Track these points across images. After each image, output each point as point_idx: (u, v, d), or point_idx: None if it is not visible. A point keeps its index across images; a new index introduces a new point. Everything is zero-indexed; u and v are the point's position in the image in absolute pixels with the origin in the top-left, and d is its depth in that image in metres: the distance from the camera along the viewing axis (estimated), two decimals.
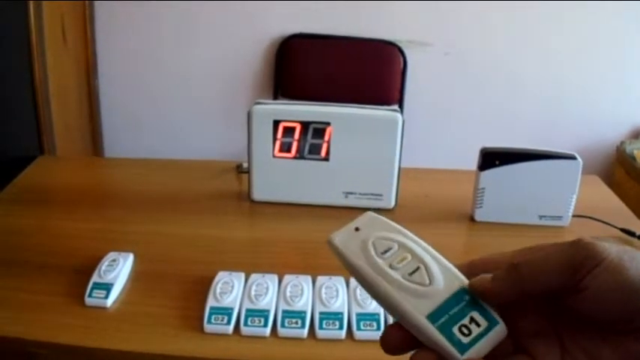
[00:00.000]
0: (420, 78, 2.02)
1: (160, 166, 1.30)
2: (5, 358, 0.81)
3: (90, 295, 0.83)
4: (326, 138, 1.06)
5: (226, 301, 0.82)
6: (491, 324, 0.37)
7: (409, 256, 0.40)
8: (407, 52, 2.00)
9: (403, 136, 1.06)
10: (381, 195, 1.10)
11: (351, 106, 1.07)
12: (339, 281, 0.86)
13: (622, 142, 2.07)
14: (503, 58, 2.01)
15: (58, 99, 1.58)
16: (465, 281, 0.39)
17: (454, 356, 0.36)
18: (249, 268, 0.89)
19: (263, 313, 0.80)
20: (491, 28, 1.98)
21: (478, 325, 0.37)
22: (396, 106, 1.93)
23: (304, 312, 0.80)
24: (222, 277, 0.86)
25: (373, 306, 0.81)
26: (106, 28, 1.96)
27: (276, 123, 1.06)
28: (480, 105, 2.07)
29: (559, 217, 1.08)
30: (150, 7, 1.94)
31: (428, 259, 0.41)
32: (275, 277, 0.86)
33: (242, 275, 0.87)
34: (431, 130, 2.03)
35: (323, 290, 0.84)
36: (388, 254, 0.40)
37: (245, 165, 1.21)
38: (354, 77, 2.00)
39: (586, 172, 1.08)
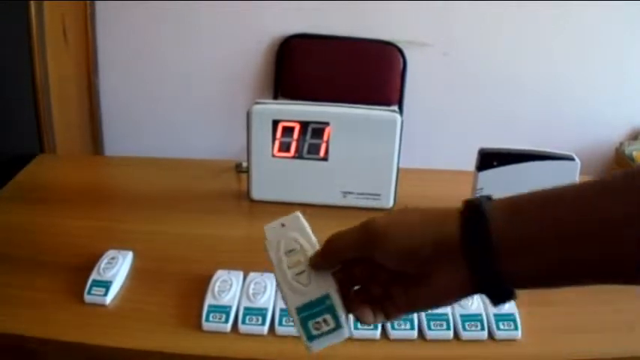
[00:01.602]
0: (419, 78, 2.02)
1: (160, 165, 1.31)
2: (5, 355, 0.81)
3: (89, 293, 0.83)
4: (325, 138, 1.07)
5: (224, 300, 0.82)
6: (337, 327, 0.51)
7: (302, 260, 0.52)
8: (406, 52, 2.00)
9: (402, 137, 1.06)
10: (379, 195, 1.10)
11: (349, 107, 1.08)
12: None
13: (621, 144, 2.07)
14: (502, 58, 2.01)
15: (59, 98, 1.58)
16: (332, 289, 0.51)
17: (304, 341, 0.51)
18: (247, 266, 0.89)
19: (261, 312, 0.80)
20: (491, 29, 1.99)
21: (328, 325, 0.50)
22: (394, 107, 1.93)
23: None
24: (220, 275, 0.86)
25: None
26: (106, 27, 1.97)
27: (275, 123, 1.06)
28: (478, 105, 2.07)
29: None
30: (151, 7, 1.95)
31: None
32: (273, 276, 0.87)
33: (240, 274, 0.87)
34: (430, 130, 2.03)
35: None
36: (291, 254, 0.53)
37: (244, 164, 1.21)
38: (354, 77, 2.00)
39: (585, 174, 1.08)
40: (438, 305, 0.48)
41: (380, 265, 0.48)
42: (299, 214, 0.54)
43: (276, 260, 0.53)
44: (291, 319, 0.52)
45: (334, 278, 0.51)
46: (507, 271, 0.43)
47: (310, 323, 0.50)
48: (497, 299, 0.45)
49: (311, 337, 0.51)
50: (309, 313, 0.51)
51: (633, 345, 0.80)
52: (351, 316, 0.51)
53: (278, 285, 0.52)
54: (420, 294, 0.47)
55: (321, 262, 0.51)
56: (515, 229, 0.43)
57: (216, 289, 0.83)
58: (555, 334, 0.82)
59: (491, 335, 0.81)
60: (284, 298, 0.52)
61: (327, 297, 0.51)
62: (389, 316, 0.50)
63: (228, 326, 0.79)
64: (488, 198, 0.47)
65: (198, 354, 0.76)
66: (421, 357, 0.78)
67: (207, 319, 0.79)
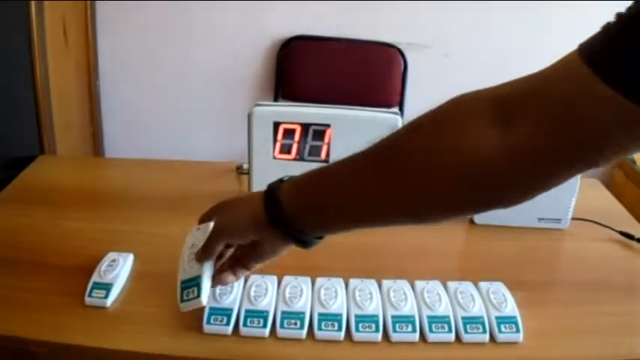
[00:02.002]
0: (420, 80, 2.02)
1: (161, 167, 1.30)
2: (5, 357, 0.81)
3: (90, 295, 0.83)
4: (326, 140, 1.07)
5: (226, 302, 0.82)
6: (197, 297, 0.73)
7: (192, 252, 0.77)
8: (407, 54, 2.00)
9: None
10: None
11: (351, 109, 1.08)
12: (338, 283, 0.86)
13: None
14: (503, 59, 2.01)
15: (59, 99, 1.58)
16: (202, 272, 0.74)
17: (178, 302, 0.74)
18: None
19: (262, 314, 0.80)
20: (491, 30, 1.99)
21: (193, 294, 0.73)
22: (395, 109, 1.94)
23: (303, 313, 0.81)
24: None
25: (372, 307, 0.82)
26: (107, 28, 1.96)
27: (276, 125, 1.06)
28: None
29: (558, 220, 1.08)
30: (151, 8, 1.95)
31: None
32: (274, 278, 0.87)
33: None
34: None
35: (322, 291, 0.84)
36: (192, 247, 0.77)
37: (245, 166, 1.21)
38: (355, 79, 2.00)
39: (586, 175, 1.08)
40: (274, 254, 0.73)
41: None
42: (211, 224, 0.75)
43: (183, 250, 0.78)
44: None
45: (211, 264, 0.76)
46: (302, 228, 0.66)
47: (184, 292, 0.74)
48: (307, 245, 0.69)
49: (182, 300, 0.74)
50: (186, 285, 0.74)
51: (635, 347, 0.80)
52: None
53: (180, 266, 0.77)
54: (260, 250, 0.72)
55: (201, 256, 0.75)
56: (296, 200, 0.66)
57: (218, 291, 0.83)
58: (557, 336, 0.82)
59: (492, 338, 0.80)
60: (179, 270, 0.77)
61: (198, 277, 0.74)
62: (248, 268, 0.77)
63: (230, 329, 0.79)
64: (282, 181, 0.69)
65: (200, 357, 0.76)
66: (423, 359, 0.78)
67: (208, 322, 0.79)
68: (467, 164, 0.55)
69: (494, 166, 0.53)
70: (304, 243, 0.69)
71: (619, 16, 0.48)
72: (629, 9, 0.47)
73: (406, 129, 0.61)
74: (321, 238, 0.69)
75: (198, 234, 0.76)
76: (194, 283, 0.74)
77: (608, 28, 0.49)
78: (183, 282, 0.75)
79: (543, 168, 0.53)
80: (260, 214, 0.67)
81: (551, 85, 0.53)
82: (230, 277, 0.77)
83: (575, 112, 0.49)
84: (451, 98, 0.60)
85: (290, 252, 1.00)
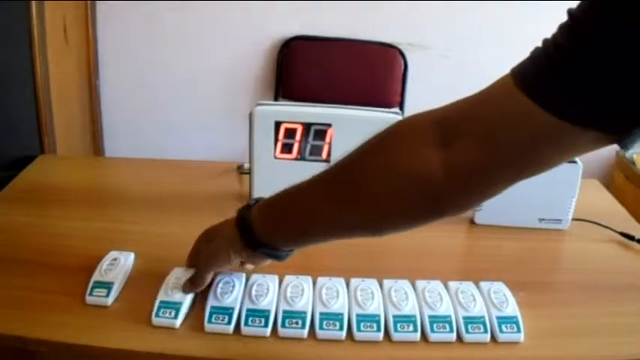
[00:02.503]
0: (420, 80, 2.02)
1: (161, 166, 1.30)
2: (6, 356, 0.81)
3: (91, 294, 0.83)
4: (327, 139, 1.07)
5: (227, 301, 0.82)
6: (174, 318, 0.79)
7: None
8: (407, 54, 2.00)
9: None
10: None
11: (352, 108, 1.08)
12: (339, 282, 0.86)
13: None
14: (503, 60, 2.00)
15: (59, 98, 1.58)
16: (187, 299, 0.82)
17: (152, 314, 0.80)
18: None
19: (263, 313, 0.80)
20: (491, 31, 1.99)
21: (170, 315, 0.79)
22: (396, 109, 1.94)
23: (304, 312, 0.81)
24: (222, 277, 0.86)
25: (373, 307, 0.82)
26: (107, 28, 1.97)
27: (277, 124, 1.06)
28: None
29: (559, 221, 1.08)
30: (151, 8, 1.95)
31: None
32: (275, 278, 0.87)
33: (243, 275, 0.87)
34: None
35: (323, 291, 0.84)
36: (177, 278, 0.85)
37: (246, 166, 1.21)
38: (355, 80, 2.00)
39: (586, 176, 1.08)
40: (256, 266, 0.85)
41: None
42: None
43: (167, 278, 0.85)
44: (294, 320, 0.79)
45: None
46: (273, 245, 0.75)
47: (161, 310, 0.80)
48: (280, 259, 0.78)
49: (157, 315, 0.79)
50: (165, 305, 0.81)
51: (636, 347, 0.80)
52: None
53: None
54: (243, 265, 0.85)
55: (190, 288, 0.83)
56: (264, 221, 0.75)
57: (219, 290, 0.83)
58: (558, 336, 0.82)
59: (493, 338, 0.80)
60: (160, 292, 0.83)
61: (180, 303, 0.81)
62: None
63: (231, 328, 0.79)
64: (249, 206, 0.77)
65: (201, 355, 0.76)
66: (423, 359, 0.78)
67: (209, 321, 0.79)
68: (410, 182, 0.61)
69: (435, 183, 0.59)
70: (277, 257, 0.78)
71: (545, 41, 0.58)
72: (554, 37, 0.58)
73: (356, 150, 0.66)
74: (292, 250, 0.78)
75: (184, 271, 0.86)
76: (174, 307, 0.80)
77: (537, 54, 0.58)
78: (162, 302, 0.81)
79: (481, 183, 0.60)
80: (236, 240, 0.76)
81: (487, 107, 0.58)
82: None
83: (509, 132, 0.55)
84: (397, 121, 0.65)
85: None
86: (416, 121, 0.63)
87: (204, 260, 0.82)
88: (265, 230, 0.74)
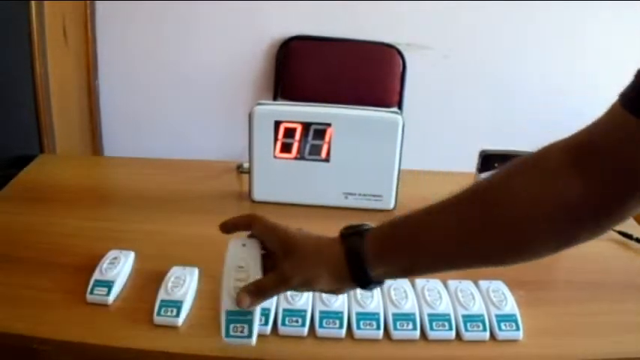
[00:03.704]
0: (419, 80, 2.02)
1: (161, 166, 1.31)
2: (7, 354, 0.81)
3: (91, 292, 0.83)
4: (327, 139, 1.07)
5: None
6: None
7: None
8: (406, 54, 2.00)
9: (403, 138, 1.06)
10: (380, 196, 1.11)
11: (352, 108, 1.08)
12: None
13: None
14: (502, 60, 2.02)
15: (59, 98, 1.58)
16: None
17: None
18: None
19: (263, 312, 0.80)
20: (491, 31, 1.99)
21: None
22: (396, 108, 1.94)
23: (305, 311, 0.81)
24: None
25: (373, 305, 0.82)
26: (106, 28, 1.97)
27: (277, 124, 1.06)
28: (478, 107, 2.07)
29: None
30: (151, 8, 1.95)
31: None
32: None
33: None
34: (430, 132, 2.03)
35: None
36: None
37: (246, 165, 1.21)
38: (354, 79, 2.01)
39: None
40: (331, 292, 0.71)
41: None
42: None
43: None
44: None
45: None
46: (380, 280, 0.67)
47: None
48: (371, 289, 0.68)
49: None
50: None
51: (635, 346, 0.81)
52: None
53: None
54: (317, 290, 0.71)
55: (257, 299, 0.67)
56: (382, 255, 0.65)
57: None
58: (557, 334, 0.83)
59: (492, 336, 0.81)
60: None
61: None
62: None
63: None
64: (360, 234, 0.66)
65: (201, 353, 0.76)
66: (423, 357, 0.78)
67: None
68: (556, 210, 0.59)
69: (574, 210, 0.58)
70: (370, 289, 0.69)
71: None
72: None
73: (499, 176, 0.63)
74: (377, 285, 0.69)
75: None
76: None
77: None
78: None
79: (617, 209, 0.58)
80: (343, 274, 0.65)
81: (606, 131, 0.60)
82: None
83: (625, 157, 0.55)
84: (543, 147, 0.64)
85: None
86: (555, 147, 0.63)
87: (291, 281, 0.67)
88: (380, 265, 0.65)
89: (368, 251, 0.64)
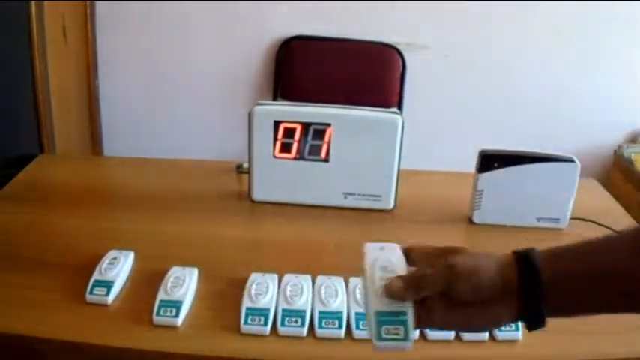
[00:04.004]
0: (419, 81, 2.02)
1: (161, 166, 1.31)
2: (7, 354, 0.81)
3: (91, 292, 0.83)
4: (326, 139, 1.07)
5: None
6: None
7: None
8: (406, 54, 2.00)
9: (403, 138, 1.06)
10: (380, 196, 1.11)
11: (351, 108, 1.08)
12: (338, 281, 0.87)
13: (619, 146, 2.08)
14: (502, 61, 2.02)
15: (59, 98, 1.58)
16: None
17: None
18: (248, 267, 0.89)
19: (263, 312, 0.81)
20: (490, 31, 1.99)
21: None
22: (395, 109, 1.94)
23: (304, 311, 0.81)
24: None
25: None
26: (106, 28, 1.97)
27: (276, 124, 1.06)
28: (478, 108, 2.07)
29: (557, 220, 1.09)
30: (151, 8, 1.95)
31: None
32: (275, 277, 0.87)
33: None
34: (430, 132, 2.03)
35: (322, 289, 0.85)
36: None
37: (245, 165, 1.21)
38: (354, 80, 2.00)
39: (584, 176, 1.09)
40: (486, 327, 0.64)
41: (447, 298, 0.58)
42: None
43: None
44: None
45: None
46: (547, 309, 0.56)
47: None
48: (535, 327, 0.57)
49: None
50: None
51: (635, 345, 0.81)
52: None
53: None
54: (475, 316, 0.58)
55: (404, 294, 0.58)
56: (557, 278, 0.56)
57: None
58: (556, 334, 0.82)
59: (492, 336, 0.81)
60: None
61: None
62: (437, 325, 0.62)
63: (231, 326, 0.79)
64: (533, 250, 0.58)
65: (202, 354, 0.76)
66: (423, 357, 0.78)
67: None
68: None
69: None
70: (535, 322, 0.57)
71: None
72: None
73: None
74: (544, 323, 0.57)
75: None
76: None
77: None
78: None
79: None
80: (510, 282, 0.57)
81: None
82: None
83: None
84: None
85: (290, 250, 1.01)
86: None
87: (457, 264, 0.58)
88: (554, 287, 0.56)
89: (538, 257, 0.57)
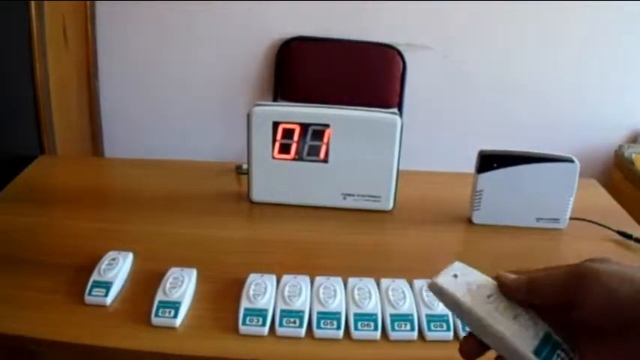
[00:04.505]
0: (419, 81, 2.02)
1: (160, 167, 1.31)
2: (5, 356, 0.81)
3: (90, 294, 0.83)
4: (325, 140, 1.07)
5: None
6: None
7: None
8: (406, 55, 2.00)
9: (402, 139, 1.06)
10: (379, 197, 1.11)
11: (350, 109, 1.08)
12: (336, 281, 0.87)
13: (620, 146, 2.08)
14: (502, 61, 2.02)
15: (59, 99, 1.58)
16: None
17: None
18: (247, 268, 0.89)
19: (261, 313, 0.80)
20: (490, 32, 1.99)
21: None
22: (395, 109, 1.94)
23: (302, 312, 0.81)
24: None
25: (371, 306, 0.82)
26: (106, 28, 1.97)
27: (275, 124, 1.06)
28: (478, 108, 2.07)
29: (556, 220, 1.09)
30: (151, 9, 1.95)
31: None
32: (273, 277, 0.87)
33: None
34: (429, 132, 2.03)
35: (321, 290, 0.84)
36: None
37: (244, 166, 1.21)
38: (354, 80, 2.01)
39: (584, 176, 1.09)
40: None
41: (575, 315, 0.44)
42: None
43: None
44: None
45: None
46: None
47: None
48: None
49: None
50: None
51: None
52: None
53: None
54: (611, 356, 0.42)
55: (521, 298, 0.48)
56: None
57: None
58: None
59: None
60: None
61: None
62: None
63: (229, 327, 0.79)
64: None
65: (199, 355, 0.76)
66: (421, 358, 0.78)
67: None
68: None
69: None
70: None
71: None
72: None
73: None
74: None
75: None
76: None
77: None
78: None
79: None
80: None
81: None
82: None
83: None
84: None
85: (289, 251, 1.01)
86: None
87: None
88: None
89: None
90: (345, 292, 0.85)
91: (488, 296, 0.50)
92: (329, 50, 2.01)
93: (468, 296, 0.50)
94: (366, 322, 0.80)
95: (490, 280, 0.52)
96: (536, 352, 0.47)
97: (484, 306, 0.49)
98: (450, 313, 0.82)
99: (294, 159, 1.08)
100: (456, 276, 0.52)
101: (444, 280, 0.51)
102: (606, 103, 2.07)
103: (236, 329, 0.79)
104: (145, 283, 0.87)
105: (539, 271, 0.48)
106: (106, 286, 0.84)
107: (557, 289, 0.45)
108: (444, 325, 0.80)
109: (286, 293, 0.84)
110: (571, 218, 1.09)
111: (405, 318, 0.81)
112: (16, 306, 0.82)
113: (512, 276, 0.48)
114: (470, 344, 0.49)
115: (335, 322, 0.80)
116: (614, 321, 0.41)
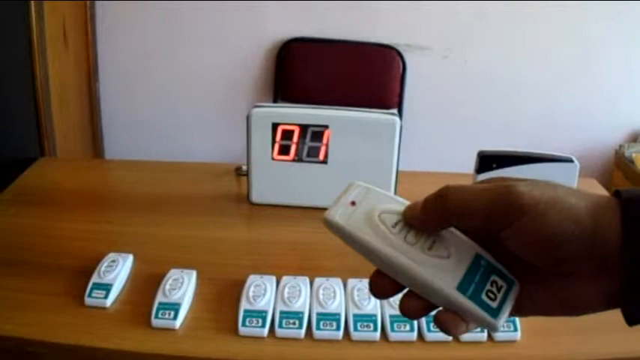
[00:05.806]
0: (418, 82, 2.02)
1: (160, 168, 1.31)
2: (5, 357, 0.81)
3: (90, 296, 0.83)
4: (324, 141, 1.07)
5: None
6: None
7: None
8: (406, 55, 2.00)
9: (401, 140, 1.06)
10: None
11: (349, 110, 1.08)
12: (336, 283, 0.87)
13: (620, 146, 2.07)
14: (502, 61, 2.02)
15: (59, 100, 1.58)
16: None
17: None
18: (247, 269, 0.89)
19: (261, 314, 0.81)
20: (490, 32, 1.99)
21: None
22: (394, 110, 1.94)
23: (302, 313, 0.81)
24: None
25: (370, 307, 0.82)
26: (107, 29, 1.97)
27: (275, 126, 1.06)
28: (477, 108, 2.07)
29: None
30: (151, 9, 1.95)
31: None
32: (273, 279, 0.87)
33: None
34: (429, 133, 2.03)
35: (320, 291, 0.85)
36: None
37: (244, 167, 1.21)
38: (354, 81, 2.01)
39: (585, 176, 1.08)
40: (565, 315, 0.39)
41: (504, 248, 0.37)
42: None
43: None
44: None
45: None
46: None
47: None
48: (637, 320, 0.37)
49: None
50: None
51: (633, 345, 0.80)
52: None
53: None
54: (547, 297, 0.38)
55: (429, 217, 0.39)
56: None
57: None
58: (555, 335, 0.82)
59: (490, 337, 0.81)
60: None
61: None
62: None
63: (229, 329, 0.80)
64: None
65: (201, 356, 0.76)
66: (420, 359, 0.79)
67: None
68: None
69: None
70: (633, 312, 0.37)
71: None
72: None
73: None
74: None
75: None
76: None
77: None
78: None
79: None
80: (610, 237, 0.35)
81: None
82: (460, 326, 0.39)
83: None
84: None
85: (288, 252, 1.01)
86: None
87: (516, 185, 0.37)
88: None
89: None
90: (345, 293, 0.85)
91: (395, 224, 0.40)
92: (329, 51, 2.01)
93: (367, 229, 0.40)
94: (365, 323, 0.80)
95: (398, 200, 0.43)
96: (462, 286, 0.38)
97: (389, 238, 0.39)
98: None
99: (293, 160, 1.09)
100: (353, 203, 0.42)
101: (337, 212, 0.41)
102: (606, 103, 2.07)
103: (236, 330, 0.79)
104: (145, 285, 0.87)
105: (456, 187, 0.39)
106: (106, 288, 0.84)
107: (480, 213, 0.37)
108: None
109: (286, 294, 0.84)
110: None
111: (405, 319, 0.81)
112: (16, 308, 0.82)
113: (419, 205, 0.39)
114: (382, 282, 0.40)
115: (334, 323, 0.80)
116: (550, 257, 0.36)
